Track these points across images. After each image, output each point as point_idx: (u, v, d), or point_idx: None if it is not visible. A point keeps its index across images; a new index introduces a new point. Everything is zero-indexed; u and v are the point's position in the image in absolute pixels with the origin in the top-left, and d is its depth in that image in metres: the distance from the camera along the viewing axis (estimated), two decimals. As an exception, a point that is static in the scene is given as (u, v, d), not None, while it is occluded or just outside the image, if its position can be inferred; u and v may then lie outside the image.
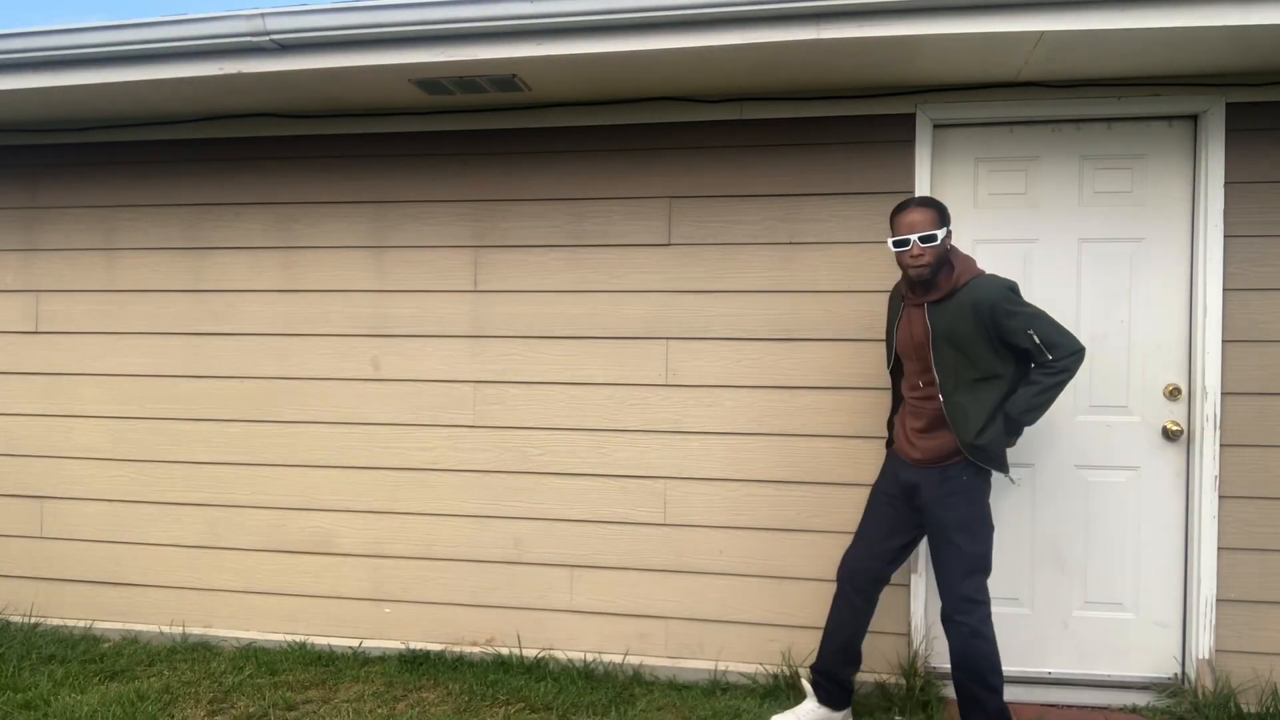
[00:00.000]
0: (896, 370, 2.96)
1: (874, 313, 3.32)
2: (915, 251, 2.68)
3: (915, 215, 2.70)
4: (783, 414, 3.38)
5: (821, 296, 3.35)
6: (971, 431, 2.69)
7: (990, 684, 2.70)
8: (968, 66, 3.04)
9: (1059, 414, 3.28)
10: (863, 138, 3.33)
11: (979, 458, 2.72)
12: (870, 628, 3.33)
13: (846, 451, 3.35)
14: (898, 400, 2.99)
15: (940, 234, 2.68)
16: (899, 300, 2.91)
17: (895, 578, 3.30)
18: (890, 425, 3.06)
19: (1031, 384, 2.68)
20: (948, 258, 2.77)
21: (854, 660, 2.95)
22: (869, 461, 3.32)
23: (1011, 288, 2.71)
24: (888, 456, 2.98)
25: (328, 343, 3.69)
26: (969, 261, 2.79)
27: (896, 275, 3.30)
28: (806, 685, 3.02)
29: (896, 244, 2.72)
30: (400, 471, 3.65)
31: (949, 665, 3.30)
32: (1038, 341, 2.65)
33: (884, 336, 3.14)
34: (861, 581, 2.89)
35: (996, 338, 2.69)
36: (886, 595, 3.31)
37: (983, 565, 2.75)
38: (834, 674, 2.95)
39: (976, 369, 2.70)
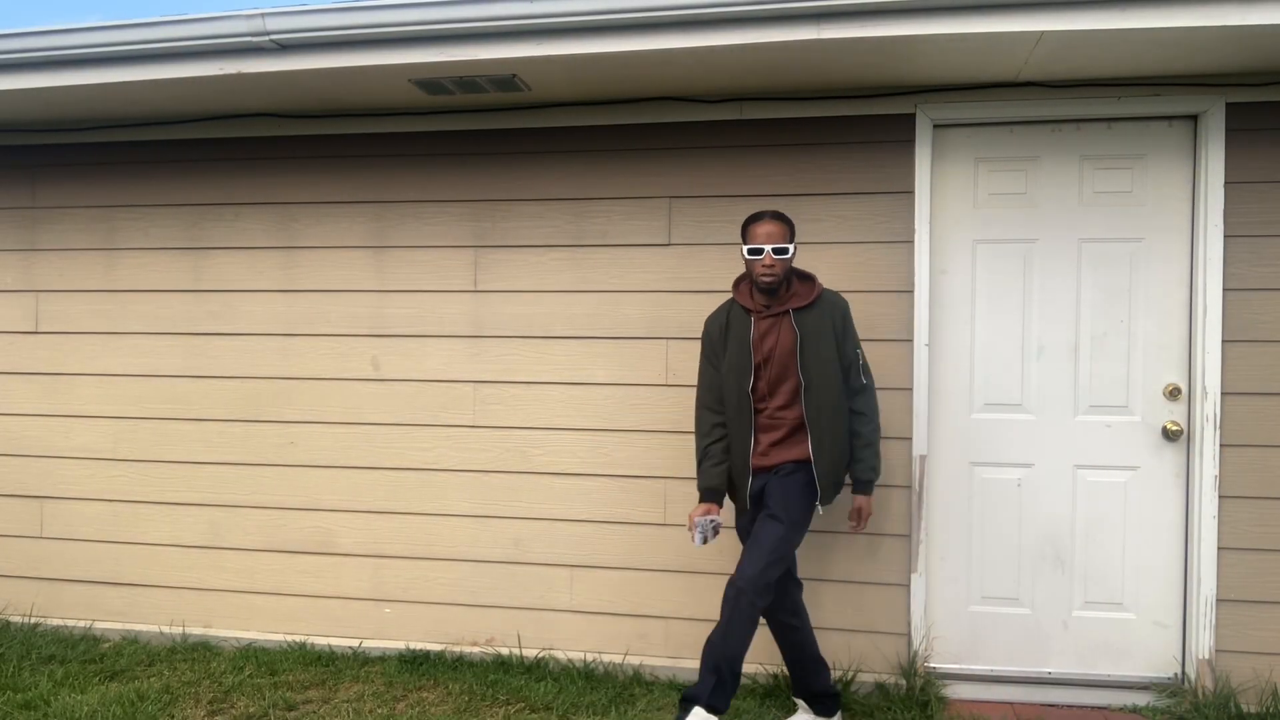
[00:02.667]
0: (735, 392, 2.90)
1: (874, 313, 3.32)
2: (768, 261, 2.80)
3: (771, 227, 2.82)
4: (783, 414, 3.38)
5: (821, 296, 3.35)
6: (825, 445, 2.83)
7: (733, 668, 2.61)
8: (968, 66, 3.04)
9: (1059, 414, 3.28)
10: (863, 138, 3.33)
11: (821, 470, 2.83)
12: (870, 628, 3.34)
13: (846, 451, 3.35)
14: (743, 426, 2.89)
15: (791, 248, 2.82)
16: (741, 320, 2.91)
17: (895, 578, 3.32)
18: (720, 467, 2.94)
19: (866, 419, 2.92)
20: (791, 270, 2.93)
21: (821, 665, 2.96)
22: (869, 461, 3.32)
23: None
24: (735, 500, 2.97)
25: (328, 343, 3.69)
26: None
27: (900, 274, 3.30)
28: (797, 700, 3.04)
29: (751, 252, 2.83)
30: (400, 471, 3.65)
31: (949, 665, 3.31)
32: (863, 362, 2.92)
33: (721, 365, 2.95)
34: (783, 599, 2.89)
35: (834, 350, 2.87)
36: (887, 595, 3.32)
37: (785, 555, 2.73)
38: (810, 687, 2.96)
39: (833, 373, 2.85)
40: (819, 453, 2.84)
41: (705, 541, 2.84)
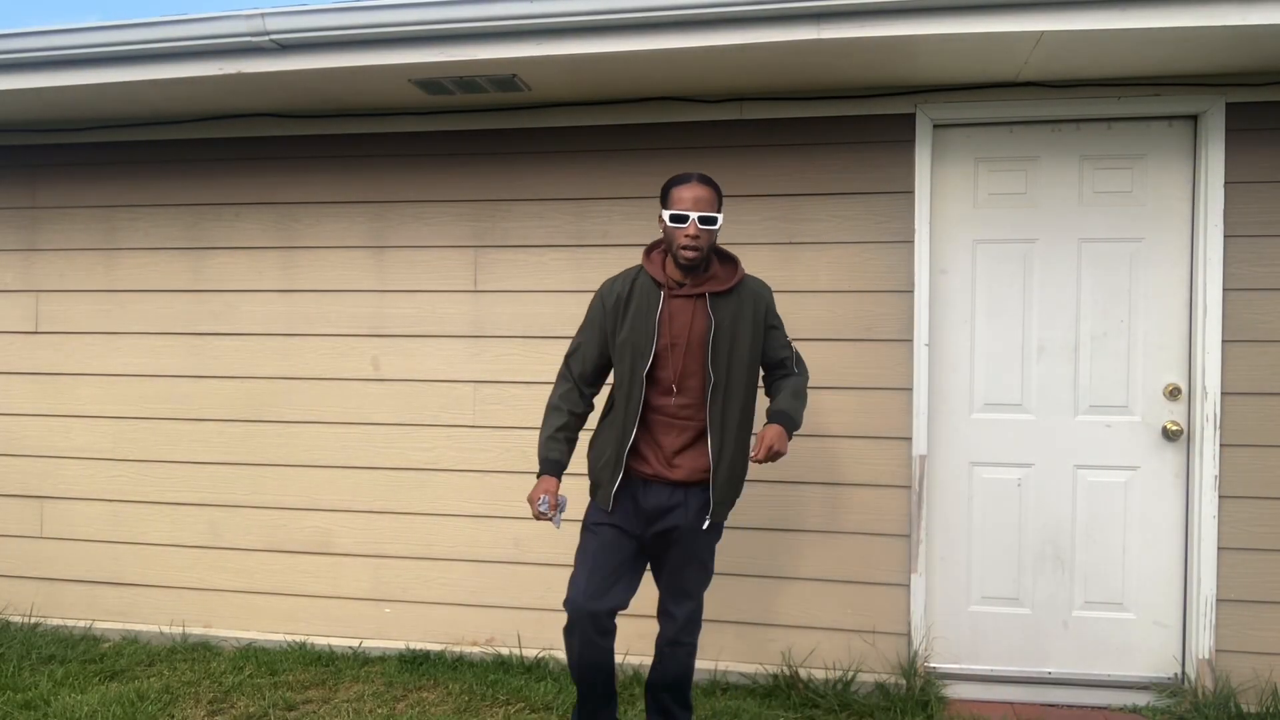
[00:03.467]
0: (627, 377, 2.52)
1: (875, 313, 3.32)
2: (693, 231, 2.40)
3: (700, 191, 2.43)
4: (783, 414, 3.38)
5: (821, 296, 3.35)
6: (726, 458, 2.50)
7: (690, 701, 2.70)
8: (968, 66, 3.04)
9: (1059, 414, 3.28)
10: (863, 138, 3.33)
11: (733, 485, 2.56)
12: (870, 628, 3.34)
13: (846, 451, 3.34)
14: (628, 416, 2.51)
15: (719, 219, 2.46)
16: (649, 293, 2.52)
17: (895, 578, 3.31)
18: (597, 450, 2.61)
19: (796, 375, 2.63)
20: (714, 248, 2.55)
21: (613, 699, 2.62)
22: (872, 461, 3.32)
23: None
24: (616, 488, 2.52)
25: (328, 343, 3.69)
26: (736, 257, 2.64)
27: (900, 274, 3.30)
28: None
29: (674, 219, 2.42)
30: (400, 471, 3.65)
31: (949, 665, 3.31)
32: (796, 356, 2.65)
33: (614, 339, 2.56)
34: (607, 622, 2.48)
35: (759, 345, 2.57)
36: (887, 595, 3.32)
37: (707, 585, 2.67)
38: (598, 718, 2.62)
39: (747, 377, 2.52)
40: (719, 465, 2.48)
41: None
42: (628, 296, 2.54)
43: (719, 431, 2.48)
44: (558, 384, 2.66)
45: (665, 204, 2.49)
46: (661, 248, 2.59)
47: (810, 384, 3.33)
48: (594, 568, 2.50)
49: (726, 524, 3.36)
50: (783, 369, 2.65)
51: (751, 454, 2.50)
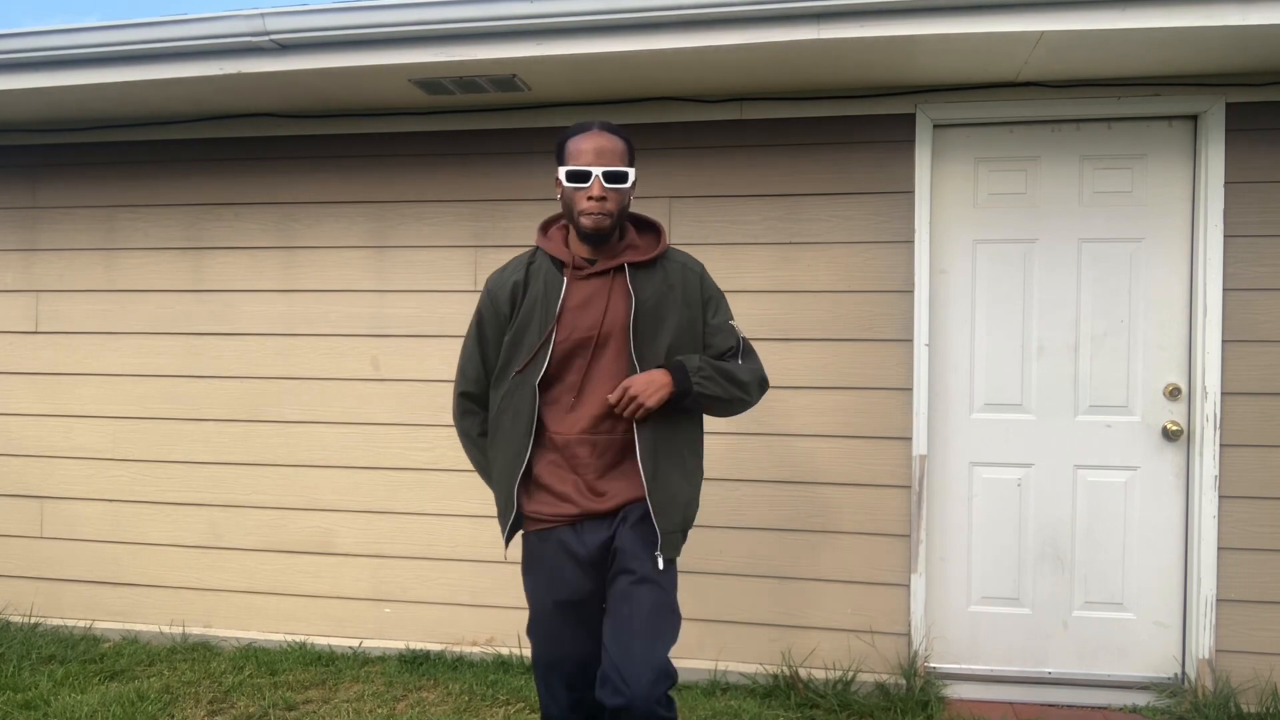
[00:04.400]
0: (519, 383, 2.05)
1: (875, 313, 3.32)
2: (597, 191, 1.94)
3: (603, 140, 1.98)
4: (781, 414, 3.38)
5: (821, 296, 3.35)
6: (663, 471, 2.01)
7: None
8: (968, 66, 3.04)
9: (1059, 414, 3.28)
10: (863, 138, 3.33)
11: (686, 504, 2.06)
12: (870, 628, 3.34)
13: (846, 451, 3.34)
14: (514, 441, 2.05)
15: (631, 174, 2.00)
16: (548, 280, 2.05)
17: (895, 578, 3.31)
18: (504, 485, 2.09)
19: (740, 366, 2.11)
20: (629, 214, 2.12)
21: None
22: (872, 461, 3.32)
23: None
24: (541, 544, 2.05)
25: (328, 343, 3.69)
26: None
27: (900, 274, 3.30)
28: None
29: (572, 176, 1.96)
30: (400, 471, 3.65)
31: (949, 665, 3.31)
32: (744, 346, 2.14)
33: (494, 349, 2.13)
34: (590, 676, 2.07)
35: (695, 331, 2.08)
36: (887, 595, 3.32)
37: (675, 632, 2.02)
38: None
39: None
40: (655, 482, 2.00)
41: None
42: (523, 285, 2.07)
43: (648, 443, 2.00)
44: (458, 420, 2.21)
45: (561, 159, 2.03)
46: (562, 221, 2.14)
47: (808, 384, 3.35)
48: (554, 685, 2.07)
49: (727, 525, 3.37)
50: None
51: (609, 396, 1.99)
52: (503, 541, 2.13)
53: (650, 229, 2.15)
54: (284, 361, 3.72)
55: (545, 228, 2.16)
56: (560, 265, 2.05)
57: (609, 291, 2.02)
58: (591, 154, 1.97)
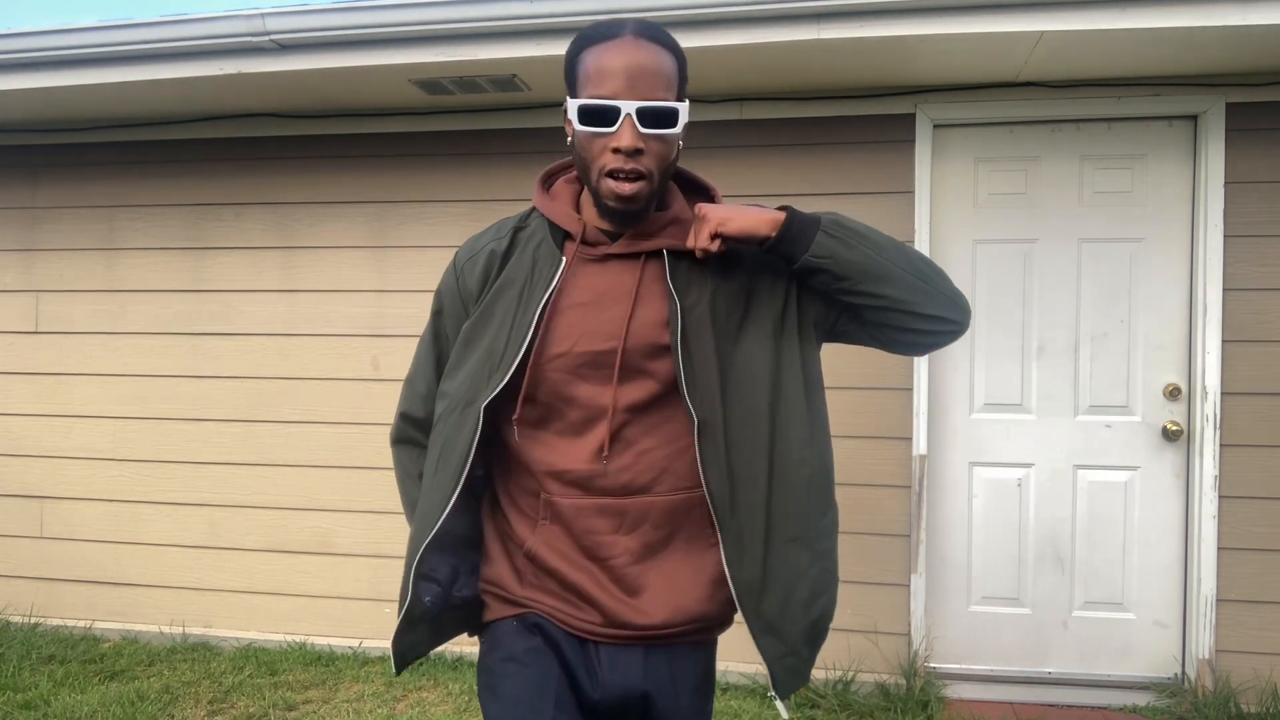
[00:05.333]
0: (465, 409, 1.31)
1: (874, 313, 3.31)
2: (628, 141, 1.21)
3: (640, 55, 1.23)
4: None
5: (821, 296, 3.35)
6: (756, 557, 1.33)
7: None
8: (968, 66, 3.04)
9: (1059, 414, 3.28)
10: (863, 138, 3.33)
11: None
12: (870, 628, 3.34)
13: (846, 451, 3.34)
14: (438, 496, 1.32)
15: (683, 111, 1.25)
16: (545, 258, 1.33)
17: (895, 578, 3.31)
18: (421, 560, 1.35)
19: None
20: (675, 171, 1.36)
21: None
22: (872, 461, 3.31)
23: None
24: (525, 654, 1.33)
25: (328, 343, 3.69)
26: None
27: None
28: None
29: (587, 115, 1.22)
30: (400, 471, 3.64)
31: (949, 665, 3.31)
32: None
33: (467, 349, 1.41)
34: None
35: (795, 334, 1.33)
36: (887, 595, 3.31)
37: None
38: None
39: (776, 394, 1.32)
40: (759, 586, 1.36)
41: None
42: (503, 258, 1.36)
43: (729, 515, 1.29)
44: (393, 448, 1.51)
45: (572, 85, 1.29)
46: (572, 174, 1.44)
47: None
48: None
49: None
50: (812, 392, 1.39)
51: (690, 242, 1.29)
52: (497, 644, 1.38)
53: (701, 193, 1.41)
54: (284, 362, 3.72)
55: (547, 180, 1.44)
56: (564, 237, 1.34)
57: (636, 286, 1.28)
58: (621, 77, 1.20)
